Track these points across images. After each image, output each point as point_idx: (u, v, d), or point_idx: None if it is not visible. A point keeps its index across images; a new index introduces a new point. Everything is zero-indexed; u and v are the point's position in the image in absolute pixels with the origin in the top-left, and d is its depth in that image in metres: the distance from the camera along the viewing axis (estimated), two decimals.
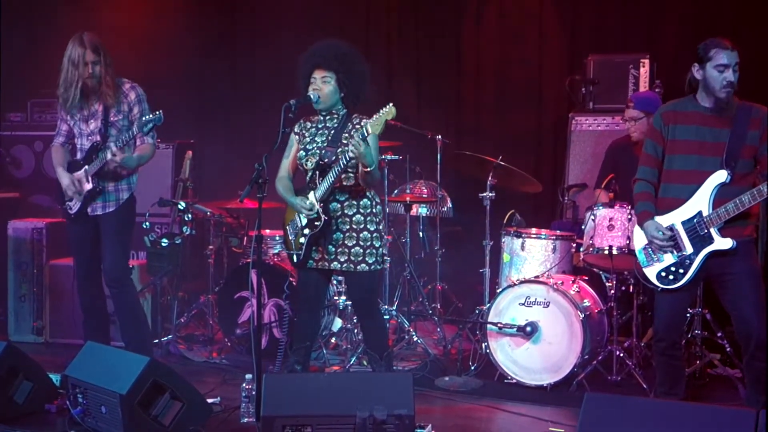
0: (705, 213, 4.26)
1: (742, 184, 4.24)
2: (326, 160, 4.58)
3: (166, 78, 7.47)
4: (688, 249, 4.31)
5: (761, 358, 4.25)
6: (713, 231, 4.25)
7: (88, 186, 5.16)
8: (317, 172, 4.61)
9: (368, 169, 4.41)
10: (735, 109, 4.31)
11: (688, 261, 4.31)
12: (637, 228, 4.54)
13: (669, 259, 4.36)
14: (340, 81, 4.62)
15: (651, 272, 4.41)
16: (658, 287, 4.40)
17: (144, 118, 4.98)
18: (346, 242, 4.62)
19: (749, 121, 4.27)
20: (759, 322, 4.23)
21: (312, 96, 4.61)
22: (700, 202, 4.28)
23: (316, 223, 4.58)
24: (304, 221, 4.64)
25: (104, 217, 5.21)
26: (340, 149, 4.57)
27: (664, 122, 4.42)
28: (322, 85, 4.62)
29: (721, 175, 4.25)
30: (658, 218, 4.39)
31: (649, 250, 4.43)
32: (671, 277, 4.35)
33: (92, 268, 5.35)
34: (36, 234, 6.38)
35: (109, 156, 4.98)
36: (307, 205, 4.59)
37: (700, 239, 4.28)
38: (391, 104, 4.33)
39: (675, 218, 4.35)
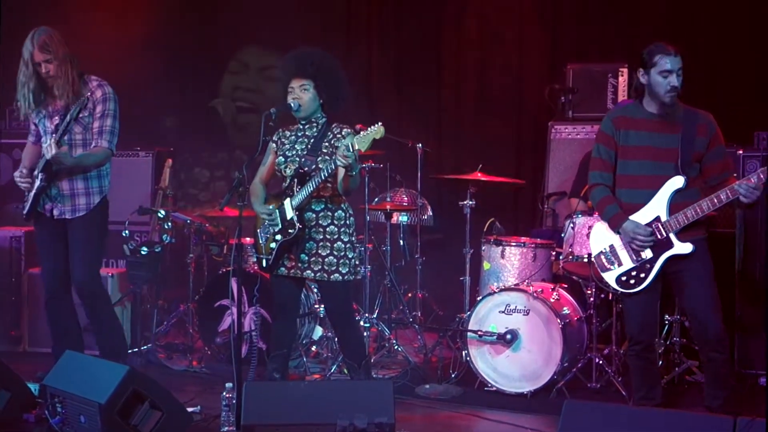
0: (663, 218, 4.31)
1: (692, 187, 4.32)
2: (305, 168, 4.59)
3: (146, 84, 7.44)
4: (648, 254, 4.34)
5: (720, 350, 4.31)
6: (672, 236, 4.30)
7: (37, 182, 5.01)
8: (295, 180, 4.62)
9: (352, 174, 4.42)
10: (681, 113, 4.37)
11: (648, 265, 4.34)
12: (594, 233, 4.56)
13: (628, 263, 4.39)
14: (318, 87, 4.65)
15: (610, 277, 4.45)
16: (618, 291, 4.45)
17: None
18: (319, 251, 4.63)
19: (696, 126, 4.33)
20: (714, 316, 4.30)
21: (292, 104, 4.63)
22: (658, 207, 4.32)
23: (290, 231, 4.59)
24: (278, 227, 4.64)
25: (73, 222, 5.04)
26: (320, 158, 4.59)
27: (615, 127, 4.44)
28: (301, 94, 4.64)
29: (678, 181, 4.29)
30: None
31: (607, 254, 4.45)
32: (632, 281, 4.38)
33: (61, 278, 5.12)
34: (14, 242, 6.33)
35: (43, 148, 4.86)
36: (267, 210, 4.63)
37: (659, 244, 4.32)
38: (380, 123, 4.35)
39: None
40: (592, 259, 4.55)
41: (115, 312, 5.39)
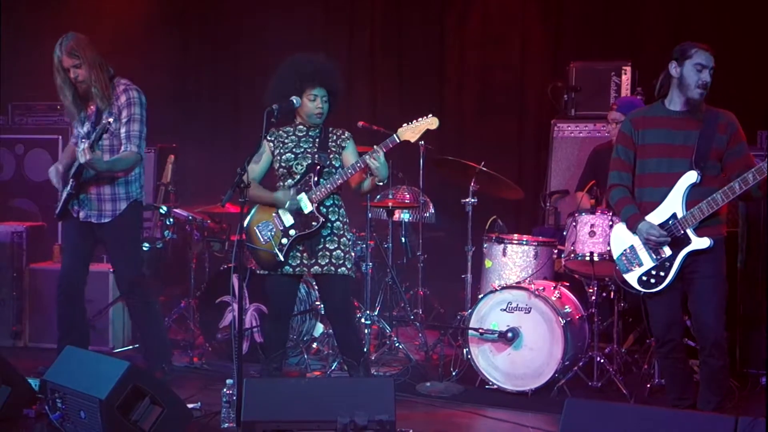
0: (679, 214, 4.29)
1: (712, 185, 4.28)
2: (321, 162, 4.68)
3: (148, 81, 7.41)
4: (667, 251, 4.33)
5: (717, 356, 4.30)
6: (689, 231, 4.28)
7: (68, 188, 5.07)
8: (311, 174, 4.68)
9: (381, 183, 4.59)
10: (703, 113, 4.35)
11: (667, 263, 4.33)
12: (614, 234, 4.55)
13: (648, 263, 4.38)
14: (331, 101, 4.79)
15: (632, 278, 4.43)
16: (641, 291, 4.42)
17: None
18: (327, 245, 4.68)
19: (717, 125, 4.31)
20: (716, 324, 4.30)
21: (295, 101, 4.65)
22: (674, 204, 4.31)
23: (313, 223, 4.63)
24: (290, 222, 4.65)
25: (102, 227, 5.10)
26: (332, 155, 4.70)
27: (634, 127, 4.44)
28: (324, 105, 4.75)
29: (691, 176, 4.28)
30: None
31: (628, 255, 4.44)
32: (653, 280, 4.36)
33: (77, 276, 5.20)
34: (16, 237, 6.33)
35: (78, 154, 4.86)
36: (296, 202, 4.66)
37: (677, 241, 4.30)
38: (431, 114, 4.41)
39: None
40: (614, 260, 4.52)
41: (156, 309, 5.42)
